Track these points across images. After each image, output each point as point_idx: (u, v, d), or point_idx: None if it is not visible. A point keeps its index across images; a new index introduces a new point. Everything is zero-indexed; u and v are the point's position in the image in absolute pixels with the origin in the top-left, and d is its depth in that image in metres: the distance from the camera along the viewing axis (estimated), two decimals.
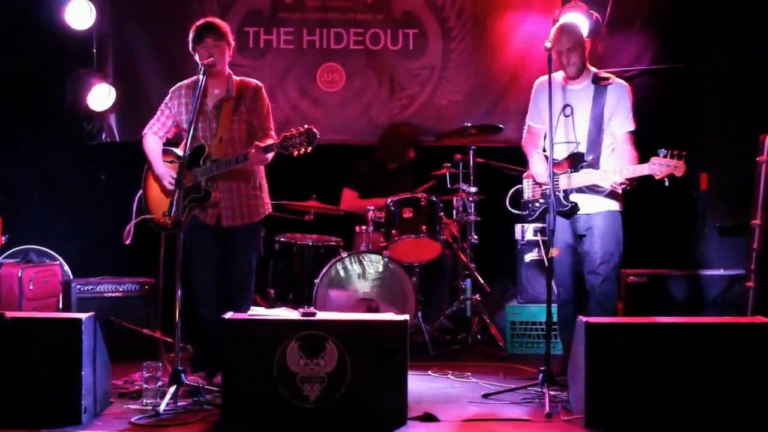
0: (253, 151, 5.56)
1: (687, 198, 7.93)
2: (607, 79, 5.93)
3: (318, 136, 5.40)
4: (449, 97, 8.43)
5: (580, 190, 5.85)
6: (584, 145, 5.87)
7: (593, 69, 6.02)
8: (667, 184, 5.49)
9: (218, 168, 5.71)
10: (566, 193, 5.84)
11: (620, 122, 5.87)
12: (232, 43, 5.89)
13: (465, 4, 8.39)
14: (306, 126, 5.44)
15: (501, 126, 7.47)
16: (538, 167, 6.00)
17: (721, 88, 7.78)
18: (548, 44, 5.63)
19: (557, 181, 5.79)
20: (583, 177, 5.81)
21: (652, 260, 7.29)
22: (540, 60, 7.38)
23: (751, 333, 4.90)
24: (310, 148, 5.43)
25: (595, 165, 5.84)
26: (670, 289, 7.11)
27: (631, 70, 8.13)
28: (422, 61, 8.44)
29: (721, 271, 7.11)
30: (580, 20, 7.64)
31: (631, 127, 5.88)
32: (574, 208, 5.85)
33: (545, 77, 5.72)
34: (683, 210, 7.93)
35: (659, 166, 5.47)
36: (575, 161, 5.83)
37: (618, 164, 5.78)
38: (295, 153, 5.46)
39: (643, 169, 5.56)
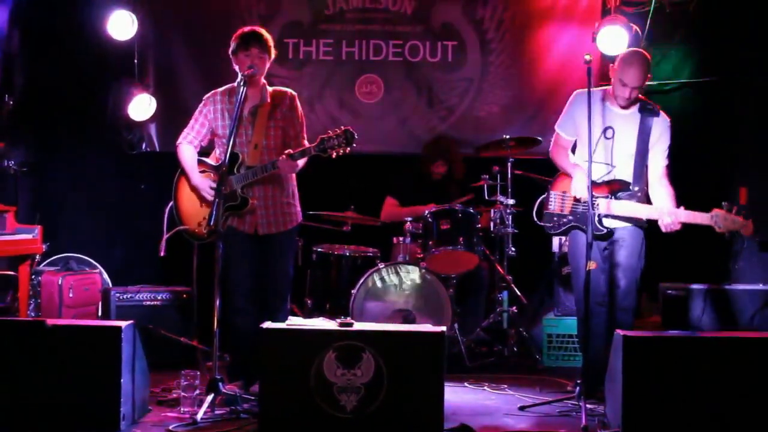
0: (283, 157, 5.57)
1: None
2: (652, 109, 5.75)
3: (356, 136, 5.42)
4: (488, 109, 8.43)
5: (615, 216, 5.71)
6: (622, 170, 5.71)
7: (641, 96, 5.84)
8: (727, 237, 5.45)
9: (253, 175, 5.71)
10: (600, 217, 5.68)
11: (659, 155, 5.74)
12: (273, 55, 5.92)
13: (504, 17, 8.39)
14: (343, 127, 5.46)
15: (539, 138, 7.44)
16: (580, 184, 5.72)
17: (760, 102, 7.73)
18: (588, 57, 5.50)
19: (597, 203, 5.65)
20: (630, 207, 5.64)
21: (689, 274, 7.23)
22: (579, 73, 7.42)
23: None
24: (348, 149, 5.45)
25: (639, 196, 5.68)
26: (708, 303, 7.05)
27: (670, 84, 8.11)
28: (461, 73, 8.45)
29: (760, 286, 7.05)
30: (620, 33, 7.61)
31: (667, 161, 5.77)
32: (610, 233, 5.71)
33: (585, 90, 5.52)
34: None
35: (724, 221, 5.38)
36: (617, 188, 5.67)
37: (664, 203, 5.63)
38: (334, 154, 5.49)
39: (704, 219, 5.44)
